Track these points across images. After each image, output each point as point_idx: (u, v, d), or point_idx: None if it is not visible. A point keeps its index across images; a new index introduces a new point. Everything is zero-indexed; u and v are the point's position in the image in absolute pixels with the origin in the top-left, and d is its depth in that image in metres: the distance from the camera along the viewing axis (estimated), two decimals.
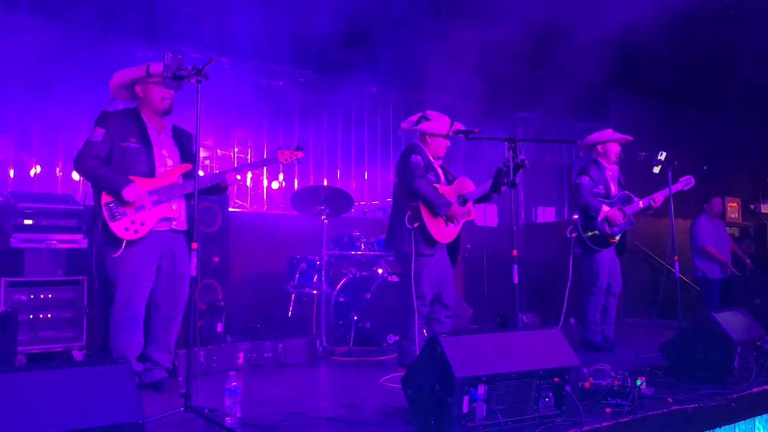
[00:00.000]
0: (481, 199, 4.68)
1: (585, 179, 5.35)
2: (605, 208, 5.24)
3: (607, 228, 5.25)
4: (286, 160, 4.07)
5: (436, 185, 4.54)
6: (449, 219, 4.50)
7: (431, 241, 4.45)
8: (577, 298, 5.38)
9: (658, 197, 5.33)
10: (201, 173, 7.06)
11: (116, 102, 3.86)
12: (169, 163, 3.80)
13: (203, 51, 6.32)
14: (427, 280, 4.47)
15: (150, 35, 6.39)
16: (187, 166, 3.80)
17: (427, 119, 4.58)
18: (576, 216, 5.36)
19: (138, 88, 3.78)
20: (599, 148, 5.50)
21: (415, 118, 4.66)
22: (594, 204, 5.25)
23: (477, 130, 4.29)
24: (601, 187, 5.38)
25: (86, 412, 2.15)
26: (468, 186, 4.65)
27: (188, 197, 3.77)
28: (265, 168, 7.73)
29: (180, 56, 3.06)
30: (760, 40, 7.53)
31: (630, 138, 5.45)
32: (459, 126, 4.57)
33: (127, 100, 3.88)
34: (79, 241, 4.67)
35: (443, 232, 4.50)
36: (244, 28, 6.22)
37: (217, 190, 3.96)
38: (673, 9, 6.20)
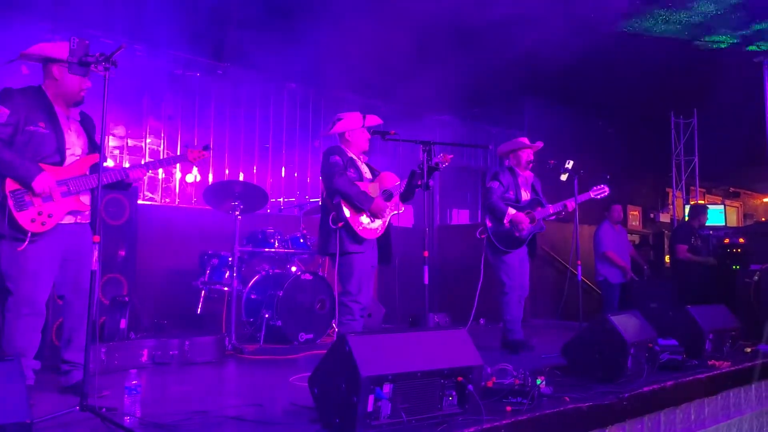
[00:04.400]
0: (402, 197, 4.74)
1: (495, 184, 5.55)
2: (511, 212, 5.42)
3: (515, 231, 5.43)
4: (194, 159, 3.95)
5: (359, 182, 4.57)
6: (374, 214, 4.53)
7: (358, 239, 4.48)
8: (490, 299, 5.53)
9: (570, 204, 5.55)
10: (111, 163, 6.84)
11: (14, 65, 3.54)
12: (78, 152, 3.53)
13: (115, 36, 6.06)
14: (357, 276, 4.49)
15: (58, 16, 6.06)
16: (96, 157, 3.55)
17: (340, 119, 4.66)
18: (488, 220, 5.52)
19: (55, 69, 3.44)
20: (511, 155, 5.69)
21: (329, 126, 4.74)
22: (500, 207, 5.43)
23: (393, 131, 4.38)
24: (511, 192, 5.56)
25: None
26: (392, 180, 4.70)
27: (93, 189, 3.56)
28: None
29: (87, 41, 2.94)
30: (661, 56, 8.01)
31: (539, 146, 5.66)
32: (375, 119, 4.66)
33: (31, 69, 3.57)
34: None
35: (369, 228, 4.54)
36: (160, 15, 6.01)
37: (121, 185, 3.74)
38: (582, 24, 6.50)
